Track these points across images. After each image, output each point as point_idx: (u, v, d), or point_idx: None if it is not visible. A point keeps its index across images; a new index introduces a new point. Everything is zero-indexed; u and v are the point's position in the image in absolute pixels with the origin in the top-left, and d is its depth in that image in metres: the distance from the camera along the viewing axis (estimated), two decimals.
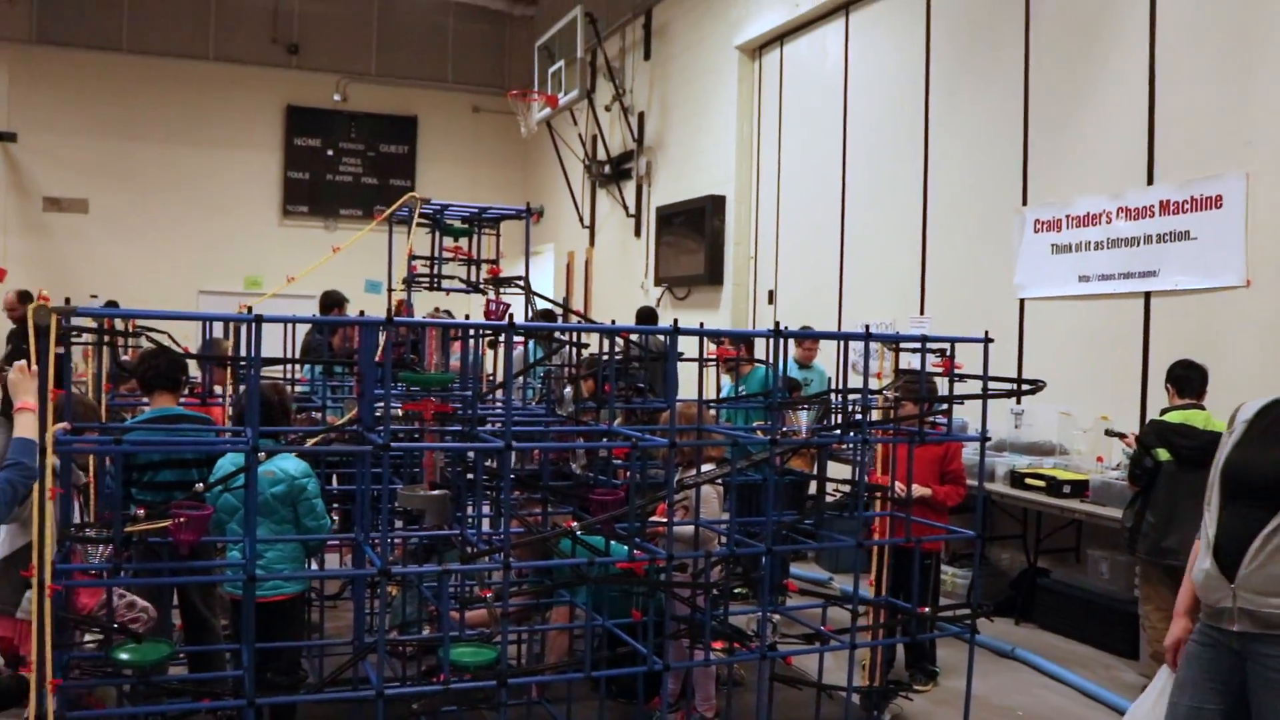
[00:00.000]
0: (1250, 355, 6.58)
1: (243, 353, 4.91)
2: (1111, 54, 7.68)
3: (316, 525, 4.73)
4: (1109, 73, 7.70)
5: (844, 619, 5.17)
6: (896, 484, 5.20)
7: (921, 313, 9.56)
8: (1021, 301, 8.47)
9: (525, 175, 19.95)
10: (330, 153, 19.33)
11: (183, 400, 5.34)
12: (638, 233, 14.96)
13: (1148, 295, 7.38)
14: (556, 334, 5.89)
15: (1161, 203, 7.26)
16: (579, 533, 4.28)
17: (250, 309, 3.70)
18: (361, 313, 5.67)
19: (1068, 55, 8.09)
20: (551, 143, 16.56)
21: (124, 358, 6.64)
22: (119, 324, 5.38)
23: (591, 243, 16.77)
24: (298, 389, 6.61)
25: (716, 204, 12.61)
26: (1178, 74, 7.18)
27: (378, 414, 4.10)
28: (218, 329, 6.03)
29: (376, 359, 4.31)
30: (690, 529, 4.72)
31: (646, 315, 10.28)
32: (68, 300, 3.92)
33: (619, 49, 15.52)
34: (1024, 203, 8.46)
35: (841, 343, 4.88)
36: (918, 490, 5.34)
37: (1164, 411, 6.07)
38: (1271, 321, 6.50)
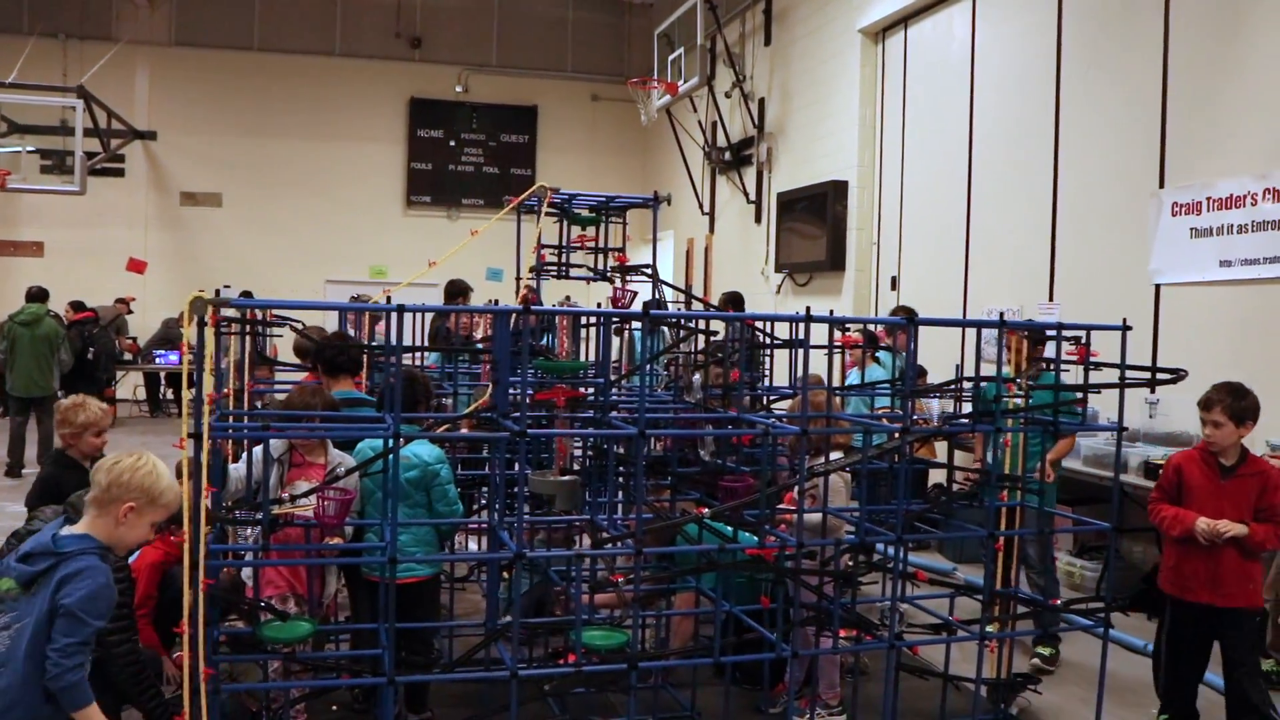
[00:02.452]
0: None
1: (382, 341, 5.06)
2: (1259, 26, 7.37)
3: (449, 510, 4.85)
4: (1255, 46, 7.40)
5: (972, 609, 5.11)
6: (1205, 522, 4.78)
7: (1050, 299, 9.33)
8: (1157, 288, 8.20)
9: (645, 163, 20.03)
10: (452, 143, 19.70)
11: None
12: (758, 219, 14.91)
13: None
14: (684, 321, 5.92)
15: None
16: (708, 519, 4.31)
17: (390, 298, 3.81)
18: (496, 301, 5.77)
19: (1210, 29, 7.79)
20: (671, 130, 16.59)
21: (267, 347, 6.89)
22: (259, 314, 5.60)
23: (711, 229, 16.76)
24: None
25: (838, 189, 12.49)
26: None
27: (512, 400, 4.18)
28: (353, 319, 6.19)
29: (510, 347, 4.39)
30: (818, 517, 4.71)
31: (733, 300, 10.04)
32: (217, 292, 4.08)
33: (739, 35, 15.45)
34: (1160, 185, 8.19)
35: (972, 330, 4.81)
36: (1229, 528, 4.75)
37: None
38: None
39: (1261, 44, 7.33)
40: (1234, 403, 5.13)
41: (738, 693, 5.50)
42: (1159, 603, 7.22)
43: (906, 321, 4.34)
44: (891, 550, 4.61)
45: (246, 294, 16.37)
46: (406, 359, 6.82)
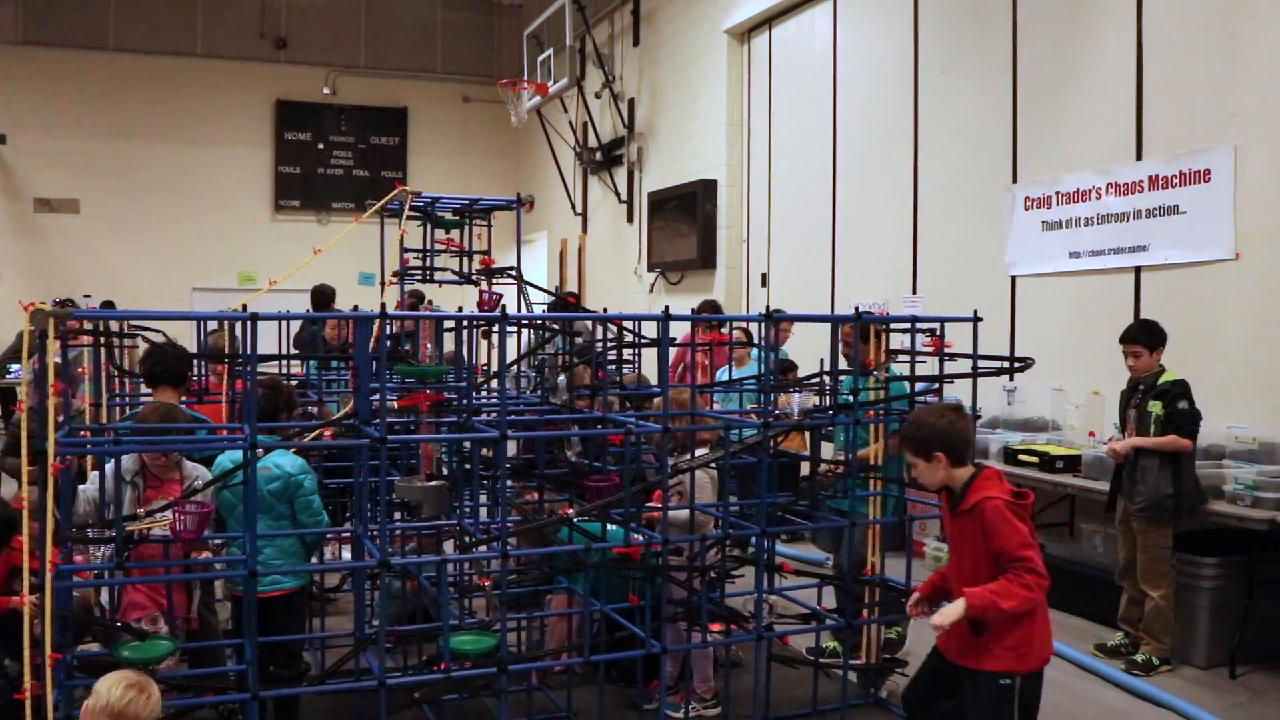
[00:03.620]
0: (1240, 327, 6.62)
1: (240, 350, 4.95)
2: (1099, 30, 7.70)
3: (313, 521, 4.77)
4: (1097, 49, 7.72)
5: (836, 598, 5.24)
6: (937, 616, 3.78)
7: (914, 293, 9.60)
8: (1013, 279, 8.50)
9: (517, 164, 19.96)
10: (321, 146, 19.34)
11: (184, 399, 5.38)
12: (630, 219, 14.98)
13: (1138, 270, 7.41)
14: (549, 323, 5.93)
15: (1151, 178, 7.28)
16: (575, 519, 4.32)
17: (245, 307, 3.73)
18: (355, 307, 5.69)
19: (1056, 33, 8.10)
20: (542, 131, 16.56)
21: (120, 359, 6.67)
22: (114, 325, 5.42)
23: (584, 230, 16.79)
24: (293, 383, 6.64)
25: (708, 188, 12.63)
26: (1165, 49, 7.20)
27: (374, 407, 4.14)
28: (213, 327, 6.04)
29: (370, 352, 4.34)
30: (685, 513, 4.76)
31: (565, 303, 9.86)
32: (63, 303, 3.95)
33: (608, 35, 15.51)
34: (1014, 180, 8.49)
35: (833, 325, 4.93)
36: (941, 619, 3.72)
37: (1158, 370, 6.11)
38: (1260, 294, 6.54)
39: (1102, 47, 7.66)
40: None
41: (614, 691, 5.53)
42: None
43: (764, 318, 4.42)
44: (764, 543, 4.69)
45: (108, 304, 15.87)
46: (273, 367, 6.70)
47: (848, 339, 5.49)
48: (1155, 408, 5.96)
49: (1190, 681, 5.88)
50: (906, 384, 5.15)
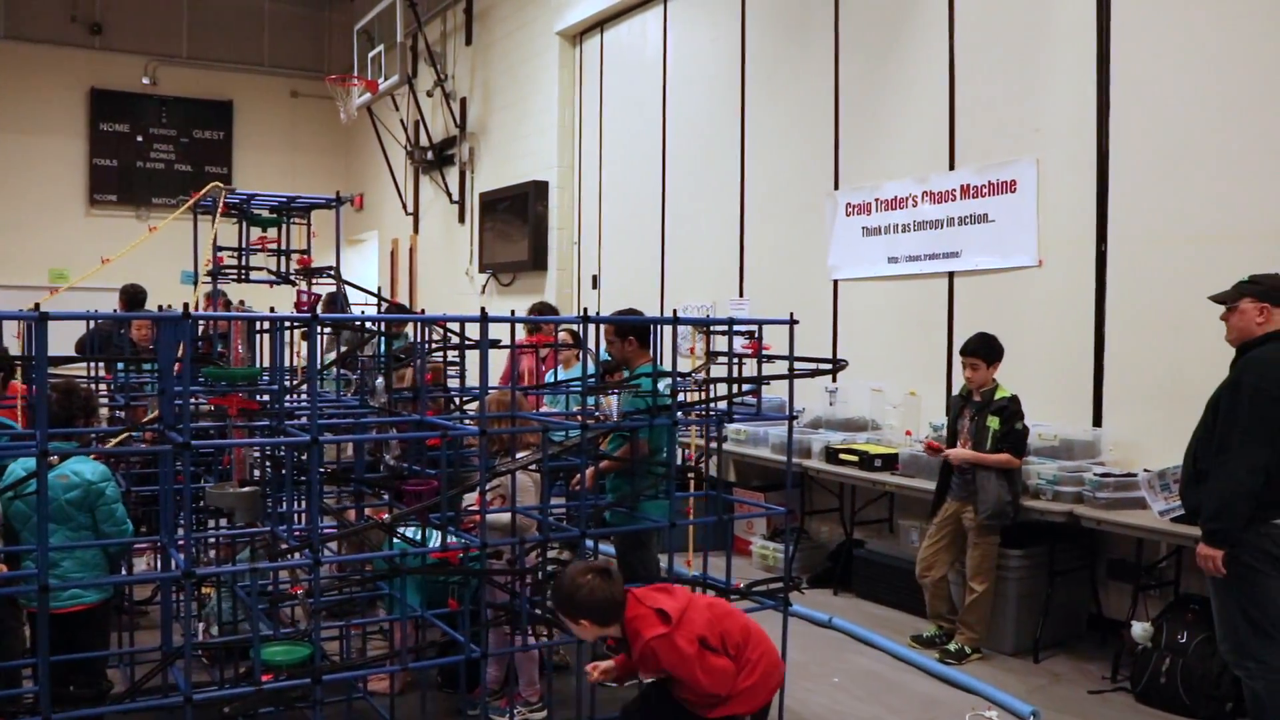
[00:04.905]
0: (1042, 331, 6.96)
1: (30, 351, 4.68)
2: (915, 45, 7.99)
3: (117, 531, 4.56)
4: (913, 63, 8.01)
5: None
6: None
7: (740, 295, 9.77)
8: (835, 283, 8.74)
9: (347, 162, 19.54)
10: (140, 138, 18.52)
11: None
12: (461, 219, 14.84)
13: (951, 275, 7.71)
14: (367, 324, 5.81)
15: (962, 187, 7.59)
16: (390, 523, 4.24)
17: (38, 306, 3.53)
18: (163, 307, 5.46)
19: (875, 47, 8.37)
20: (373, 129, 16.26)
21: None
22: None
23: (415, 230, 16.55)
24: (102, 386, 6.33)
25: (539, 190, 12.61)
26: (974, 65, 7.52)
27: (178, 411, 3.97)
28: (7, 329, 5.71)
29: (176, 355, 4.17)
30: (506, 516, 4.73)
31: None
32: None
33: (440, 33, 15.33)
34: (836, 187, 8.73)
35: (665, 328, 4.97)
36: None
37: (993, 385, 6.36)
38: (1061, 299, 6.88)
39: (918, 61, 7.95)
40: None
41: (439, 697, 5.46)
42: (844, 578, 7.74)
43: (583, 320, 4.42)
44: (589, 544, 4.69)
45: None
46: (79, 370, 6.38)
47: (609, 338, 5.77)
48: (993, 423, 6.19)
49: (998, 668, 6.16)
50: (648, 381, 5.25)
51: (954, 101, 7.66)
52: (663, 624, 3.72)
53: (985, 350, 6.35)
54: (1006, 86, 7.27)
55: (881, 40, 8.30)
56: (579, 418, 4.85)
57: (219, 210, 5.61)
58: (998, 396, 6.27)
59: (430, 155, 15.39)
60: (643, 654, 3.74)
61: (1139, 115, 6.44)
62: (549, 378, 7.53)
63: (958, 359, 6.77)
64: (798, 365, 5.00)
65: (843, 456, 7.44)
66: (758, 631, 3.98)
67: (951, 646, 6.32)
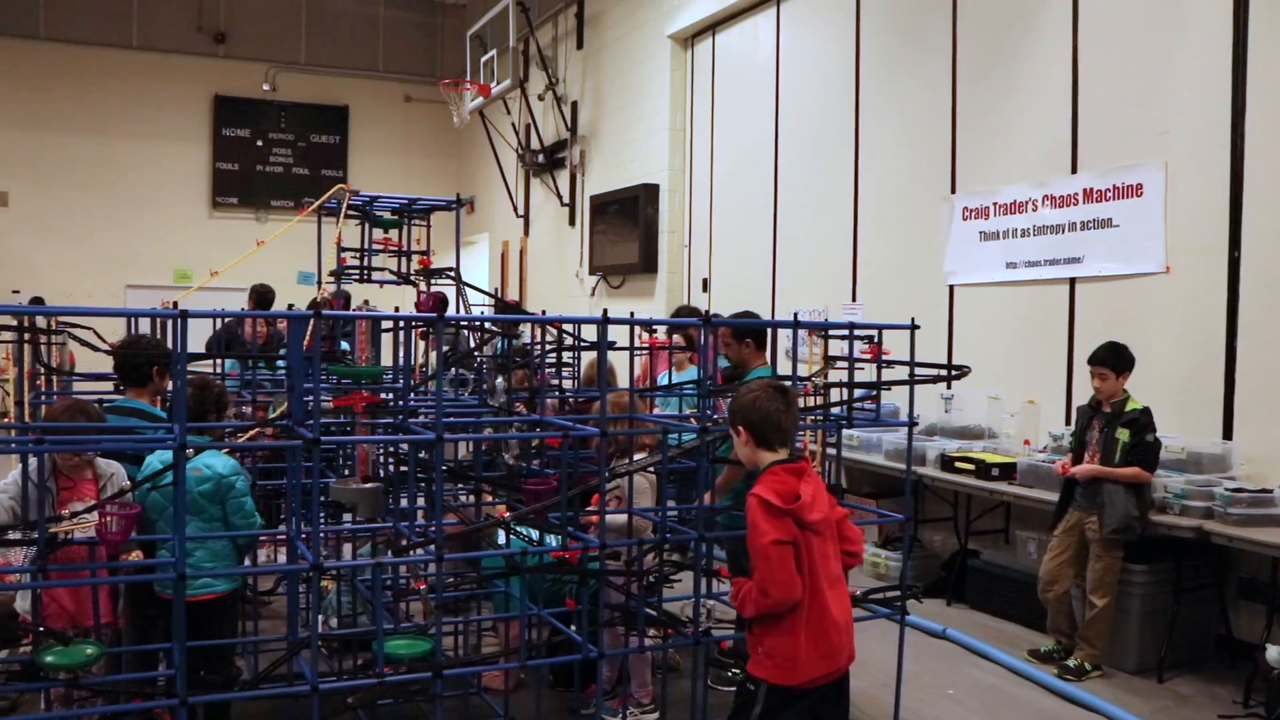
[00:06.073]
0: (1169, 340, 6.75)
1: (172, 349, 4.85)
2: (1036, 45, 7.82)
3: (245, 523, 4.69)
4: (1034, 64, 7.84)
5: None
6: None
7: (853, 300, 9.67)
8: (951, 288, 8.60)
9: (459, 165, 19.84)
10: (260, 143, 19.10)
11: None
12: (572, 222, 14.95)
13: (1072, 281, 7.53)
14: (487, 324, 5.88)
15: (1085, 191, 7.40)
16: (510, 522, 4.29)
17: (176, 304, 3.65)
18: (292, 306, 5.61)
19: (994, 47, 8.21)
20: (485, 132, 16.48)
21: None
22: (41, 321, 5.29)
23: (526, 232, 16.73)
24: (227, 383, 6.52)
25: (650, 193, 12.65)
26: (1099, 65, 7.33)
27: (308, 408, 4.07)
28: (144, 325, 5.90)
29: (304, 352, 4.27)
30: (623, 518, 4.75)
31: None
32: None
33: (551, 38, 15.48)
34: (953, 190, 8.59)
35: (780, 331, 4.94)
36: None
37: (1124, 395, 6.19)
38: (1188, 307, 6.67)
39: (1040, 61, 7.78)
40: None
41: (551, 695, 5.51)
42: (958, 588, 7.61)
43: (703, 322, 4.42)
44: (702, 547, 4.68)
45: (38, 300, 15.49)
46: (206, 366, 6.58)
47: (726, 340, 5.68)
48: (1123, 435, 6.04)
49: (1120, 687, 5.99)
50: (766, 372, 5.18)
51: (1077, 103, 7.48)
52: (776, 497, 3.47)
53: (1115, 359, 6.17)
54: (1133, 87, 7.08)
55: (1001, 40, 8.14)
56: (693, 420, 4.85)
57: (343, 212, 5.73)
58: (1129, 408, 6.09)
59: (541, 158, 15.55)
60: (747, 503, 3.55)
61: (1279, 115, 6.21)
62: (661, 380, 7.54)
63: (1078, 367, 6.61)
64: (918, 371, 4.92)
65: (958, 465, 7.32)
66: (843, 612, 3.68)
67: (1071, 662, 6.16)
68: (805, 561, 3.51)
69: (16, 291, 16.46)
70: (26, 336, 5.00)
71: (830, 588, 3.60)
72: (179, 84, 18.45)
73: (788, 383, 4.36)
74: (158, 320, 5.83)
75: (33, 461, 4.14)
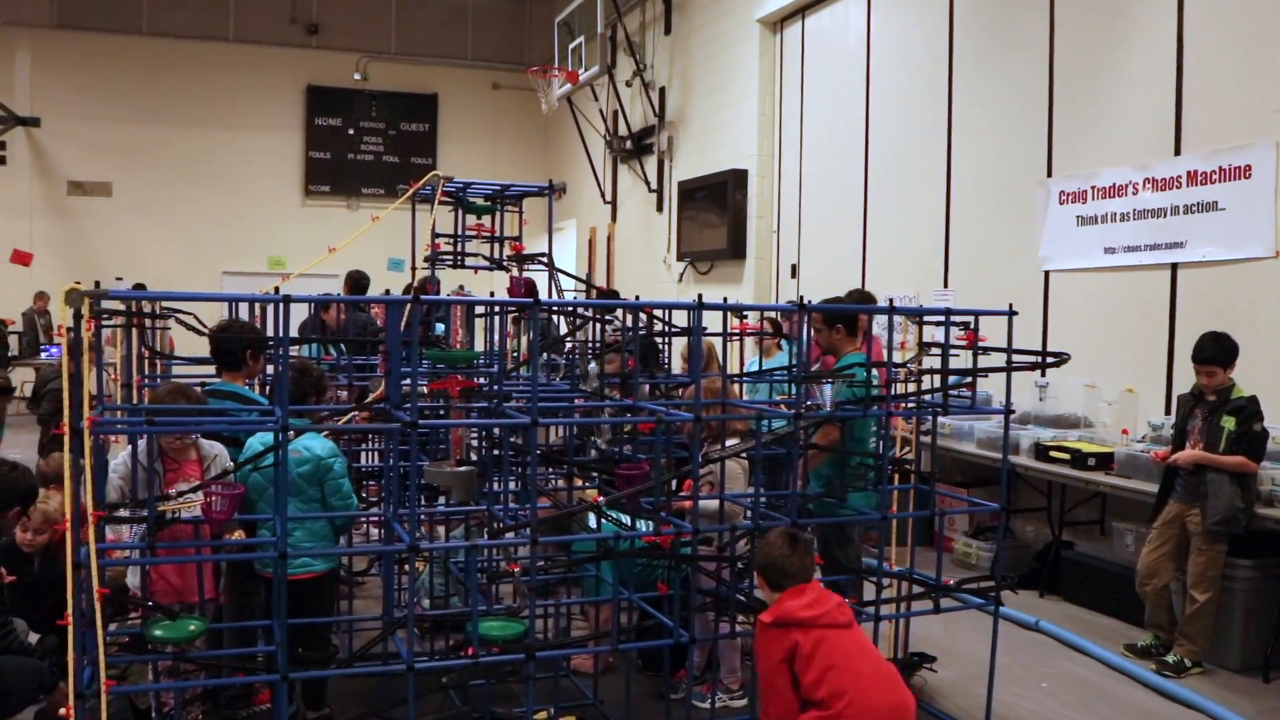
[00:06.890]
0: (1277, 326, 6.53)
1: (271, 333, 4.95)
2: (1138, 23, 7.61)
3: (343, 504, 4.78)
4: (1135, 42, 7.63)
5: (868, 591, 5.19)
6: None
7: (945, 286, 9.53)
8: (1046, 274, 8.42)
9: (546, 151, 19.95)
10: (351, 132, 19.41)
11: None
12: (659, 208, 14.95)
13: (1174, 267, 7.32)
14: (579, 310, 5.91)
15: (1189, 173, 7.19)
16: (604, 507, 4.31)
17: (278, 289, 3.73)
18: (387, 291, 5.70)
19: (1093, 25, 8.01)
20: (572, 119, 16.54)
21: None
22: (146, 306, 5.43)
23: (613, 218, 16.77)
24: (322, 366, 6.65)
25: (738, 178, 12.59)
26: (1205, 43, 7.11)
27: (404, 391, 4.13)
28: (243, 310, 6.04)
29: (402, 337, 4.33)
30: (715, 503, 4.74)
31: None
32: (97, 284, 3.96)
33: (639, 24, 15.47)
34: (1049, 174, 8.41)
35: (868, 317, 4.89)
36: None
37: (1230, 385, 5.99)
38: None
39: (1141, 39, 7.57)
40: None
41: (640, 679, 5.53)
42: (1051, 580, 7.47)
43: (798, 308, 4.39)
44: None
45: (140, 286, 15.94)
46: (302, 350, 6.73)
47: (818, 325, 5.50)
48: (1229, 423, 5.82)
49: (1223, 685, 5.82)
50: (861, 370, 5.08)
51: (1181, 82, 7.26)
52: (771, 614, 3.72)
53: (1221, 355, 5.91)
54: (1242, 64, 6.84)
55: (1101, 15, 7.93)
56: (784, 406, 4.82)
57: (437, 198, 5.80)
58: (1234, 396, 5.89)
59: (629, 144, 15.56)
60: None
61: None
62: (749, 366, 7.51)
63: (1179, 355, 6.42)
64: (1015, 358, 4.83)
65: (1053, 454, 7.17)
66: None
67: (1170, 658, 6.00)
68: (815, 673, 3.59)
69: (120, 279, 16.96)
70: (134, 321, 5.14)
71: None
72: (273, 75, 18.84)
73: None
74: (256, 305, 5.96)
75: (141, 443, 4.26)
